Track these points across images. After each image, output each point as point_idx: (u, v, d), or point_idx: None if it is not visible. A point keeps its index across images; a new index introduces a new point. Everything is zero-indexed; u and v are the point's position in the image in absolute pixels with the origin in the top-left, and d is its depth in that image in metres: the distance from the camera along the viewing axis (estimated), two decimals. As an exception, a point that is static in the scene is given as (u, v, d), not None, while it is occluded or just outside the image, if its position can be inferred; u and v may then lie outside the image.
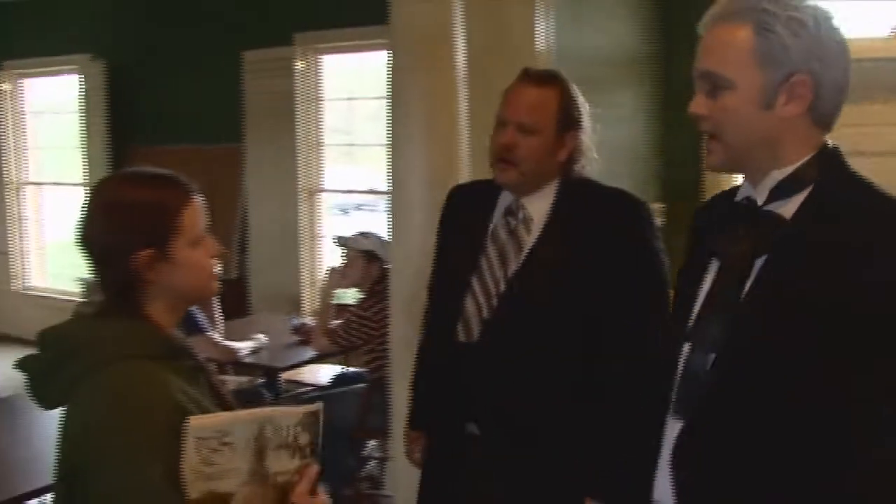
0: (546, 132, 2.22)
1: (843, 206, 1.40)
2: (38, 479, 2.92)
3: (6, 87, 8.15)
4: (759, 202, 1.46)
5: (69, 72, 7.69)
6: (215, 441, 1.46)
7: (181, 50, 6.75)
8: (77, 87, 7.52)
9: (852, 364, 1.33)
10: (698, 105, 1.48)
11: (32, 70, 8.10)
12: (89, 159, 7.42)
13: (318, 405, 1.57)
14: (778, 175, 1.44)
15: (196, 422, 1.45)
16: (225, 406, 1.61)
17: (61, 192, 8.36)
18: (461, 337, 2.28)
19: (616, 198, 2.32)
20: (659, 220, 5.95)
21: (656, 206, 5.45)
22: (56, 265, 8.83)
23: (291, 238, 6.41)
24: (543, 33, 3.55)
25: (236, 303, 5.86)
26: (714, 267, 1.53)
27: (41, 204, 8.45)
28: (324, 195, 6.57)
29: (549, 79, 2.29)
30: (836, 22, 1.42)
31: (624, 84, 4.97)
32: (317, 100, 6.29)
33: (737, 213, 1.52)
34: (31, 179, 8.36)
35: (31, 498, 2.98)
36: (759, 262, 1.44)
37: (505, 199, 2.31)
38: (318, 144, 6.40)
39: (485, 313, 2.25)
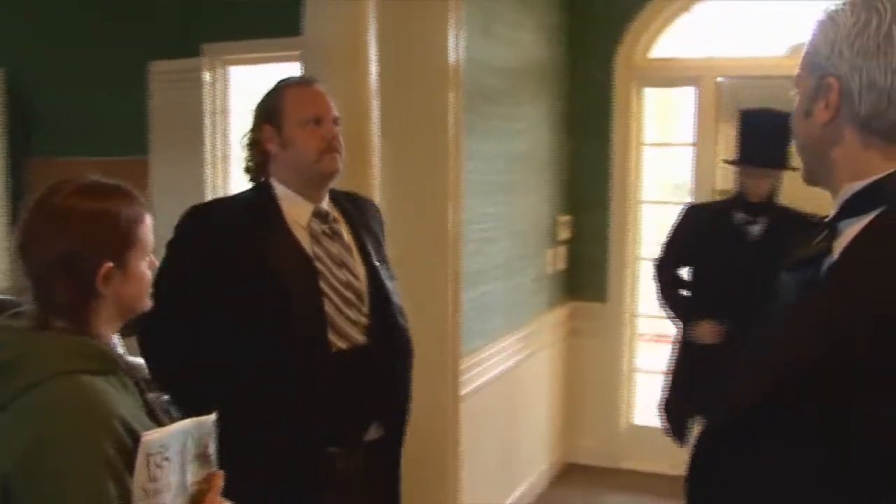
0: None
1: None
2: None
3: None
4: (831, 216, 1.33)
5: (-36, 80, 7.42)
6: (160, 456, 1.45)
7: (85, 59, 6.57)
8: (-27, 96, 7.25)
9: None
10: None
11: (-76, 78, 7.77)
12: (-15, 171, 7.15)
13: (214, 414, 1.59)
14: (849, 189, 1.30)
15: (147, 438, 1.43)
16: (156, 419, 1.58)
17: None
18: (341, 344, 2.29)
19: (351, 196, 2.62)
20: (568, 232, 6.01)
21: (564, 219, 5.53)
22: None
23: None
24: (454, 45, 3.59)
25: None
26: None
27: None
28: (233, 208, 6.43)
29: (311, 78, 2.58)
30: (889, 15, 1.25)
31: (530, 95, 5.03)
32: (224, 112, 6.20)
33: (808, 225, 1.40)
34: (-77, 192, 8.01)
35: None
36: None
37: (300, 208, 2.37)
38: (226, 157, 6.31)
39: (355, 316, 2.33)
